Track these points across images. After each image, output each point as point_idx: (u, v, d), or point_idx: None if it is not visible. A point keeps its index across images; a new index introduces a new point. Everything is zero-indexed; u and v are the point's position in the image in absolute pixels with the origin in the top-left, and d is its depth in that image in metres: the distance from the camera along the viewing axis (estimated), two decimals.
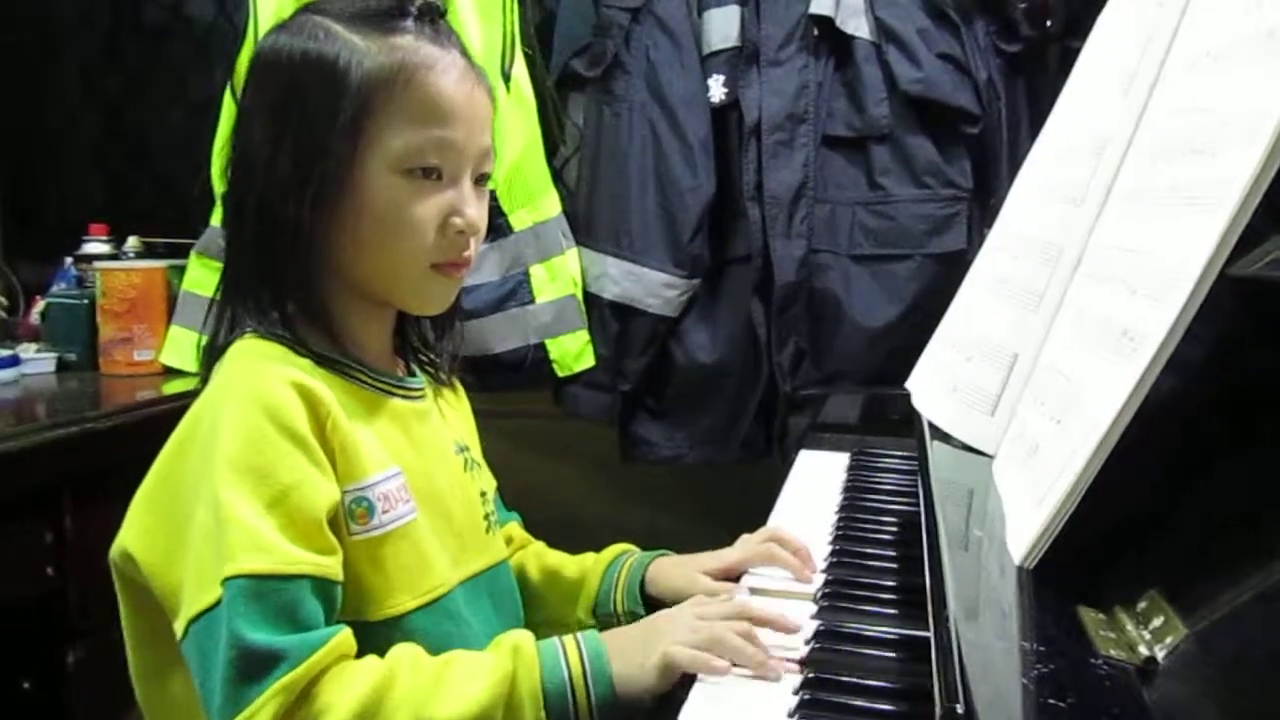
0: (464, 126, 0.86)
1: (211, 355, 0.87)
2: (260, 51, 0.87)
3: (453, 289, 0.91)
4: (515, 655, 0.78)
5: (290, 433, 0.76)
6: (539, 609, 1.05)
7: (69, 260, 2.03)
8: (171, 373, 1.81)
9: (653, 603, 1.00)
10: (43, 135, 2.30)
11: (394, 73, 0.83)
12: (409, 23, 0.86)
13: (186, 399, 0.85)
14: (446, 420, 0.99)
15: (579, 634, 0.82)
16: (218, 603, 0.71)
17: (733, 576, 1.02)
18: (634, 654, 0.80)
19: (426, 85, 0.84)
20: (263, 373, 0.79)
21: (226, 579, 0.71)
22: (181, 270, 1.85)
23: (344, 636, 0.74)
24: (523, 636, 0.81)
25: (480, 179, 0.89)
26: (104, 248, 2.02)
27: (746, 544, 1.04)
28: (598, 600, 1.02)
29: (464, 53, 0.89)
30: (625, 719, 0.80)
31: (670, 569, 1.02)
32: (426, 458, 0.90)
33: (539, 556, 1.08)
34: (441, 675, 0.76)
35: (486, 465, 1.03)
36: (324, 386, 0.81)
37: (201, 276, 1.77)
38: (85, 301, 1.87)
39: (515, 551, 1.08)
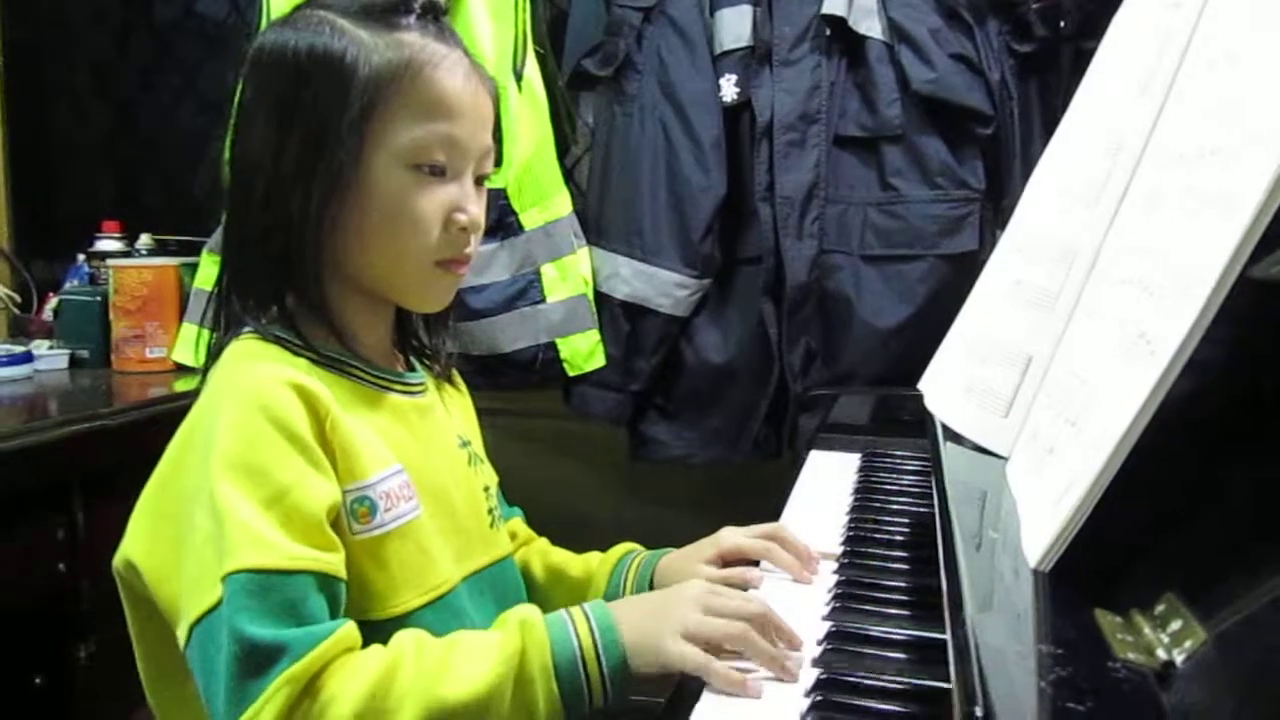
0: (469, 123, 0.87)
1: (210, 354, 0.88)
2: (263, 46, 0.87)
3: (454, 286, 0.92)
4: (523, 630, 0.77)
5: (287, 432, 0.76)
6: (543, 607, 1.04)
7: (82, 257, 2.04)
8: (183, 370, 1.82)
9: None
10: (55, 132, 2.31)
11: (402, 68, 0.84)
12: (412, 20, 0.87)
13: (195, 396, 0.85)
14: (449, 414, 0.99)
15: (585, 605, 0.81)
16: (219, 602, 0.71)
17: (730, 563, 1.01)
18: (647, 628, 0.79)
19: (434, 81, 0.85)
20: (259, 374, 0.79)
21: (227, 575, 0.71)
22: (194, 268, 1.86)
23: (348, 630, 0.74)
24: (529, 611, 0.80)
25: (480, 179, 0.90)
26: (116, 245, 2.03)
27: (747, 534, 1.03)
28: (605, 599, 1.02)
29: (467, 52, 0.90)
30: None
31: (674, 565, 1.01)
32: (430, 453, 0.91)
33: (543, 554, 1.08)
34: (448, 657, 0.75)
35: (489, 460, 1.03)
36: (323, 386, 0.80)
37: (213, 274, 1.75)
38: (98, 298, 1.88)
39: (519, 547, 1.08)
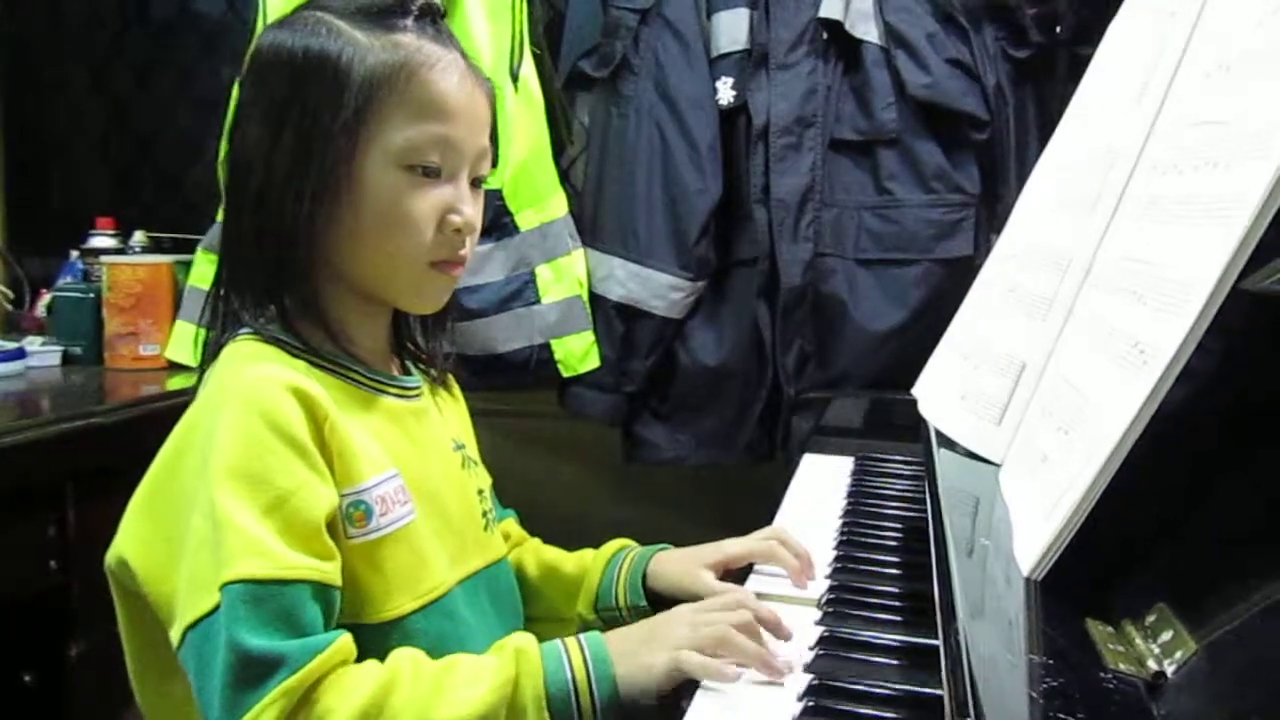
0: (464, 125, 0.87)
1: (208, 353, 0.88)
2: (261, 48, 0.87)
3: (448, 288, 0.92)
4: (518, 659, 0.78)
5: (287, 438, 0.76)
6: (537, 604, 1.05)
7: (75, 254, 2.03)
8: (176, 368, 1.81)
9: (655, 597, 1.01)
10: (50, 129, 2.30)
11: (397, 69, 0.84)
12: (410, 21, 0.87)
13: (191, 395, 0.85)
14: (444, 418, 0.99)
15: (581, 636, 0.81)
16: (215, 609, 0.71)
17: (734, 570, 1.02)
18: (637, 655, 0.80)
19: (429, 82, 0.85)
20: (259, 377, 0.79)
21: (224, 584, 0.71)
22: (187, 265, 1.85)
23: (344, 641, 0.74)
24: (525, 640, 0.81)
25: (476, 181, 0.90)
26: (110, 242, 2.03)
27: (749, 539, 1.04)
28: (599, 595, 1.02)
29: (464, 54, 0.90)
30: None
31: (672, 563, 1.02)
32: (424, 457, 0.91)
33: (536, 552, 1.09)
34: (443, 680, 0.75)
35: (483, 462, 1.03)
36: (320, 389, 0.80)
37: (208, 272, 1.77)
38: (91, 295, 1.88)
39: (512, 548, 1.08)
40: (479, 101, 0.89)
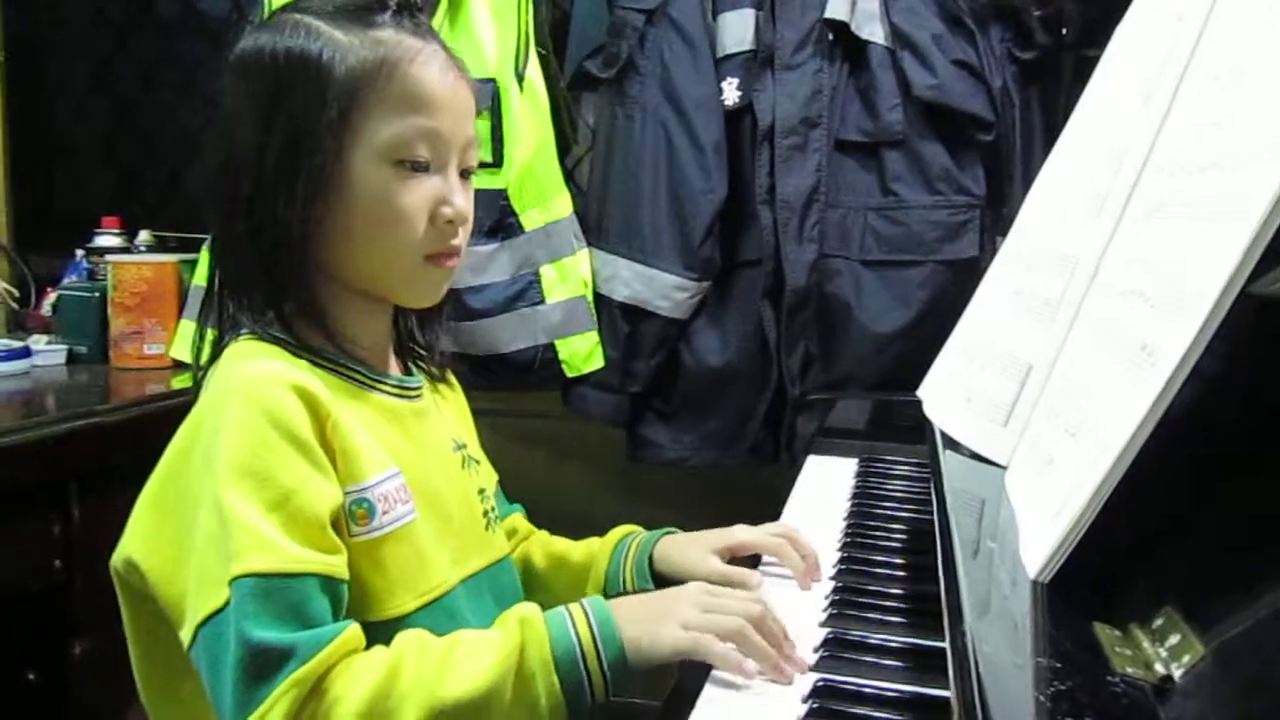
0: (449, 116, 0.87)
1: (209, 355, 0.88)
2: (242, 52, 0.88)
3: (445, 280, 0.92)
4: (522, 627, 0.78)
5: (291, 436, 0.77)
6: (546, 594, 1.05)
7: (80, 253, 2.04)
8: (181, 367, 1.82)
9: (661, 580, 1.01)
10: (55, 128, 2.31)
11: (378, 65, 0.84)
12: (387, 17, 0.87)
13: (193, 394, 0.85)
14: (444, 417, 0.99)
15: (584, 600, 0.81)
16: (225, 605, 0.72)
17: (742, 557, 1.02)
18: (646, 623, 0.80)
19: (410, 76, 0.85)
20: (261, 374, 0.80)
21: (233, 579, 0.72)
22: (193, 264, 1.86)
23: (353, 631, 0.74)
24: (529, 608, 0.81)
25: (465, 172, 0.90)
26: (116, 241, 2.03)
27: (760, 530, 1.04)
28: (606, 580, 1.03)
29: (444, 46, 0.90)
30: None
31: (678, 546, 1.03)
32: (425, 457, 0.91)
33: (544, 544, 1.10)
34: (449, 655, 0.76)
35: (487, 460, 1.03)
36: (323, 387, 0.81)
37: None
38: (96, 294, 1.88)
39: (519, 543, 1.09)
40: (462, 91, 0.89)
